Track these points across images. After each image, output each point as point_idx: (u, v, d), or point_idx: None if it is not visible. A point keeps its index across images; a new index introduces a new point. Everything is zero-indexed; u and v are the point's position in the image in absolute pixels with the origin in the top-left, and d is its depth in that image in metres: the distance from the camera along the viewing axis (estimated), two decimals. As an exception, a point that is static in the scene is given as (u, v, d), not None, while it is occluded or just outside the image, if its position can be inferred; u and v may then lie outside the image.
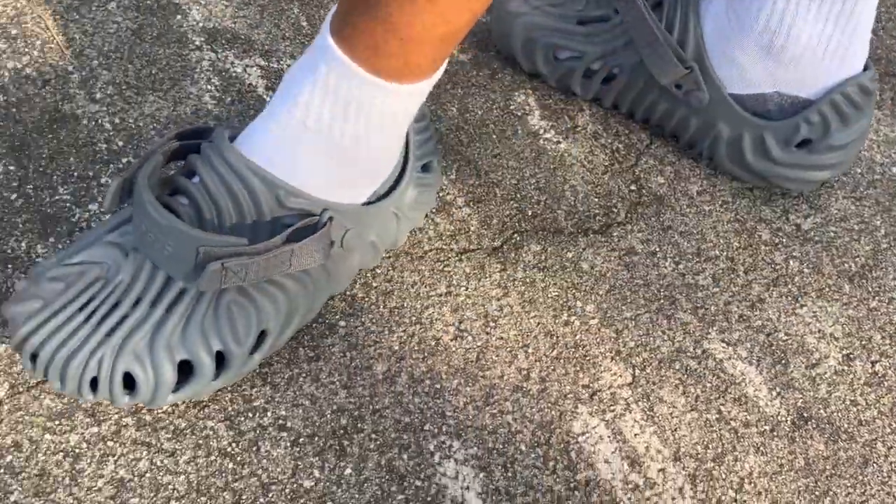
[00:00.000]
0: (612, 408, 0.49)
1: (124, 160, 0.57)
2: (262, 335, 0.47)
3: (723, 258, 0.57)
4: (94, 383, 0.45)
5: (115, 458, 0.45)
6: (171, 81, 0.62)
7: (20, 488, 0.44)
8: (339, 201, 0.47)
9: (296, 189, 0.45)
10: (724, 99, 0.57)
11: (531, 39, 0.62)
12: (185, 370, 0.46)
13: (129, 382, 0.45)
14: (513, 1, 0.62)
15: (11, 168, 0.56)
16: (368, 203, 0.49)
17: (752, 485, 0.47)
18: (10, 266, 0.52)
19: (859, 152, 0.60)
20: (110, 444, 0.46)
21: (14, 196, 0.55)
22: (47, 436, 0.46)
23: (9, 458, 0.45)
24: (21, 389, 0.47)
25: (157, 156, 0.46)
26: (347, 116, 0.44)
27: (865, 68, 0.57)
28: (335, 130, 0.44)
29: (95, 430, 0.46)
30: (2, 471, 0.44)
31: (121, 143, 0.58)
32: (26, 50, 0.63)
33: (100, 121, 0.59)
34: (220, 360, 0.46)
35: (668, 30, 0.57)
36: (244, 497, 0.45)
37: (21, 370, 0.48)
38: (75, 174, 0.56)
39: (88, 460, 0.45)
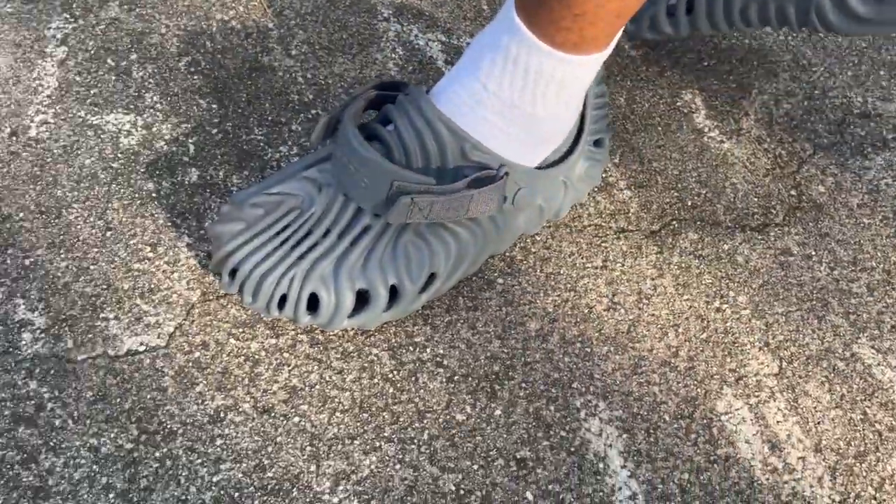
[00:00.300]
0: (756, 394, 0.51)
1: (313, 111, 0.63)
2: (431, 277, 0.51)
3: (879, 270, 0.58)
4: (281, 301, 0.50)
5: (290, 368, 0.50)
6: (360, 47, 0.68)
7: (205, 382, 0.49)
8: (513, 161, 0.51)
9: (479, 143, 0.49)
10: None
11: None
12: (360, 300, 0.51)
13: (312, 305, 0.50)
14: None
15: (214, 107, 0.62)
16: (540, 168, 0.53)
17: (894, 486, 0.48)
18: (208, 190, 0.58)
19: None
20: (286, 355, 0.51)
21: (215, 131, 0.61)
22: (231, 340, 0.51)
23: (196, 354, 0.50)
24: (211, 297, 0.53)
25: (360, 101, 0.51)
26: (526, 83, 0.47)
27: None
28: (514, 95, 0.48)
29: (274, 341, 0.51)
30: (190, 365, 0.50)
31: (311, 97, 0.64)
32: (233, 5, 0.70)
33: (293, 74, 0.65)
34: (393, 294, 0.51)
35: None
36: (402, 419, 0.49)
37: (212, 280, 0.53)
38: (269, 119, 0.62)
39: (266, 366, 0.50)
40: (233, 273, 0.50)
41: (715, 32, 0.64)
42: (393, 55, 0.67)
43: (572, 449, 0.48)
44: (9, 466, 0.45)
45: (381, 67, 0.66)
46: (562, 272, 0.56)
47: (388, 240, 0.50)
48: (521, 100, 0.48)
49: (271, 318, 0.52)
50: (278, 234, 0.50)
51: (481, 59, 0.48)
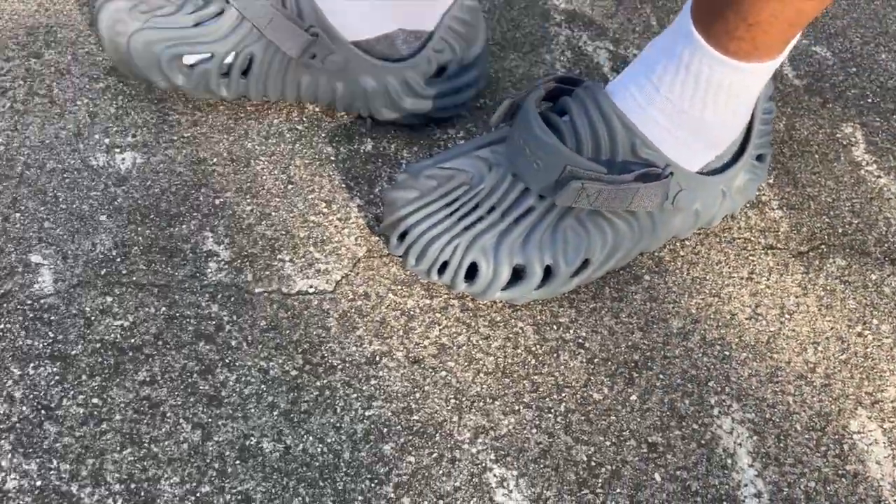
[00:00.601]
0: (892, 419, 0.52)
1: (481, 101, 0.68)
2: (584, 263, 0.55)
3: None
4: (442, 267, 0.55)
5: (440, 327, 0.55)
6: (531, 46, 0.72)
7: (364, 328, 0.54)
8: (678, 162, 0.54)
9: (649, 141, 0.52)
10: (357, 54, 0.60)
11: (153, 55, 0.61)
12: (514, 276, 0.55)
13: (469, 274, 0.55)
14: (118, 22, 0.60)
15: (392, 86, 0.68)
16: (701, 173, 0.56)
17: None
18: (380, 160, 0.63)
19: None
20: (438, 315, 0.55)
21: (391, 107, 0.67)
22: (390, 295, 0.56)
23: (359, 302, 0.55)
24: (375, 255, 0.58)
25: (541, 89, 0.56)
26: (697, 89, 0.51)
27: None
28: (685, 100, 0.51)
29: (428, 301, 0.56)
30: (353, 311, 0.55)
31: (481, 86, 0.69)
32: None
33: (467, 65, 0.70)
34: (546, 274, 0.55)
35: (282, 3, 0.59)
36: (541, 389, 0.52)
37: (377, 240, 0.59)
38: (441, 102, 0.67)
39: (419, 322, 0.55)
40: (402, 236, 0.55)
41: (265, 99, 0.65)
42: (561, 57, 0.72)
43: (703, 441, 0.51)
44: (188, 374, 0.51)
45: (548, 67, 0.71)
46: (707, 278, 0.58)
47: (550, 222, 0.54)
48: (692, 105, 0.51)
49: (428, 281, 0.57)
50: (448, 205, 0.54)
51: (655, 64, 0.52)
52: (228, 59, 0.61)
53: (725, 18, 0.47)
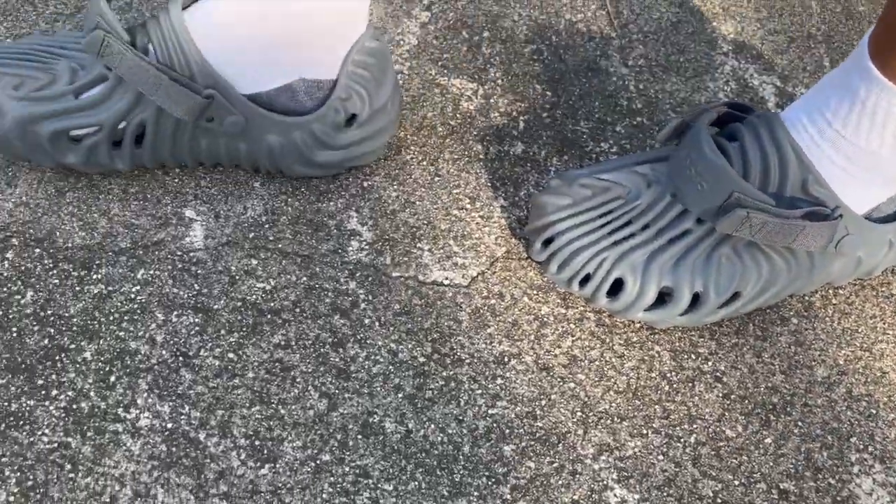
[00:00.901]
0: None
1: (638, 119, 0.67)
2: (734, 295, 0.53)
3: None
4: (584, 279, 0.54)
5: (573, 338, 0.54)
6: (694, 72, 0.71)
7: (495, 326, 0.55)
8: (848, 204, 0.52)
9: (823, 179, 0.51)
10: (259, 112, 0.55)
11: (34, 133, 0.55)
12: (659, 298, 0.54)
13: (612, 290, 0.54)
14: None
15: (548, 94, 0.69)
16: (869, 218, 0.54)
17: None
18: (528, 164, 0.64)
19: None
20: (572, 326, 0.55)
21: (545, 115, 0.67)
22: (525, 298, 0.56)
23: (492, 301, 0.56)
24: (513, 257, 0.58)
25: (712, 112, 0.55)
26: (873, 124, 0.49)
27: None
28: (860, 136, 0.50)
29: (563, 311, 0.56)
30: (485, 308, 0.55)
31: (639, 105, 0.68)
32: (582, 10, 0.76)
33: (626, 82, 0.70)
34: (693, 301, 0.53)
35: (169, 66, 0.53)
36: (672, 417, 0.51)
37: (516, 242, 0.59)
38: (596, 115, 0.67)
39: (552, 330, 0.55)
40: (547, 242, 0.55)
41: (163, 167, 0.60)
42: (725, 87, 0.70)
43: (839, 498, 0.48)
44: (321, 344, 0.53)
45: (710, 95, 0.70)
46: (860, 330, 0.56)
47: (705, 248, 0.52)
48: (868, 141, 0.50)
49: (565, 291, 0.56)
50: (600, 216, 0.54)
51: (829, 98, 0.51)
52: (118, 131, 0.56)
53: None
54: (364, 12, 0.56)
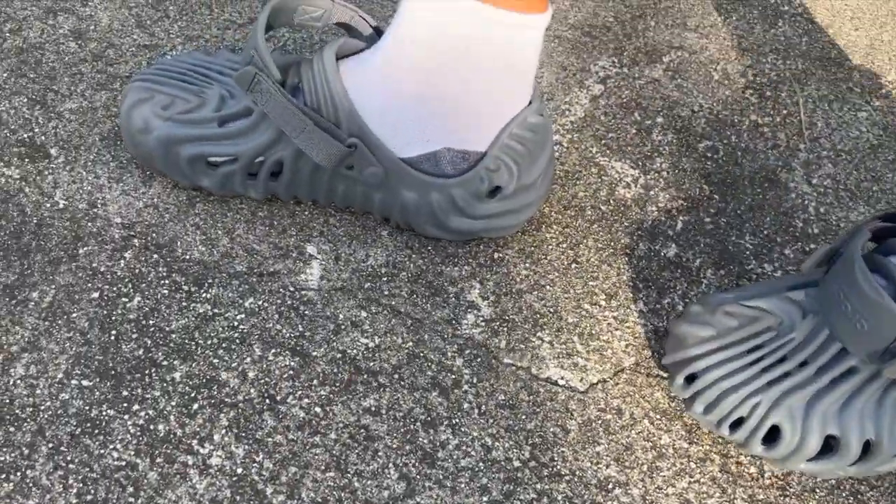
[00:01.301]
0: None
1: (812, 245, 0.61)
2: None
3: None
4: (736, 422, 0.48)
5: (691, 479, 0.49)
6: (887, 205, 0.64)
7: (606, 445, 0.50)
8: None
9: None
10: (400, 167, 0.54)
11: (175, 154, 0.56)
12: (823, 446, 0.48)
13: (768, 436, 0.48)
14: (136, 117, 0.56)
15: (716, 197, 0.63)
16: None
17: None
18: (679, 271, 0.59)
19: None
20: (692, 465, 0.49)
21: (708, 220, 0.62)
22: (646, 422, 0.51)
23: (608, 416, 0.51)
24: (642, 371, 0.53)
25: (865, 233, 0.48)
26: None
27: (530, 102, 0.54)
28: None
29: (686, 445, 0.50)
30: (599, 422, 0.50)
31: (816, 230, 0.62)
32: (771, 113, 0.70)
33: (806, 202, 0.64)
34: (864, 449, 0.47)
35: (316, 110, 0.53)
36: None
37: (649, 354, 0.54)
38: (765, 232, 0.62)
39: (669, 464, 0.49)
40: (690, 378, 0.50)
41: (295, 197, 0.59)
42: None
43: None
44: (412, 420, 0.49)
45: None
46: None
47: (876, 390, 0.46)
48: None
49: (691, 420, 0.51)
50: (749, 351, 0.48)
51: None
52: (256, 164, 0.56)
53: None
54: (528, 88, 0.54)
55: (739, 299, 0.50)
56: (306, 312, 0.54)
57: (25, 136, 0.61)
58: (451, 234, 0.57)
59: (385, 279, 0.56)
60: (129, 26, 0.69)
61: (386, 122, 0.54)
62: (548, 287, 0.57)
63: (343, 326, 0.53)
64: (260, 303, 0.54)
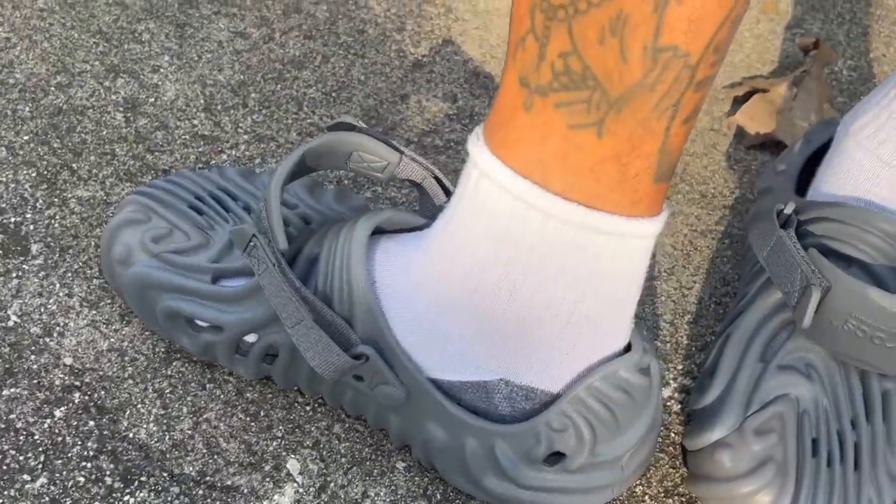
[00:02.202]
0: None
1: None
2: None
3: None
4: None
5: None
6: None
7: None
8: None
9: None
10: (428, 392, 0.39)
11: (151, 301, 0.44)
12: None
13: None
14: (119, 242, 0.44)
15: None
16: None
17: None
18: None
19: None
20: None
21: None
22: None
23: None
24: None
25: (812, 251, 0.41)
26: None
27: (628, 348, 0.39)
28: None
29: None
30: None
31: None
32: None
33: None
34: None
35: (326, 299, 0.39)
36: None
37: None
38: None
39: None
40: None
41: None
42: None
43: None
44: None
45: None
46: None
47: None
48: None
49: None
50: (814, 454, 0.41)
51: None
52: (250, 339, 0.42)
53: None
54: (624, 324, 0.38)
55: (743, 411, 0.41)
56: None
57: (12, 220, 0.50)
58: (485, 496, 0.41)
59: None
60: (194, 107, 0.59)
61: (421, 330, 0.39)
62: None
63: None
64: (197, 533, 0.39)
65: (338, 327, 0.38)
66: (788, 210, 0.45)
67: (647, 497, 0.44)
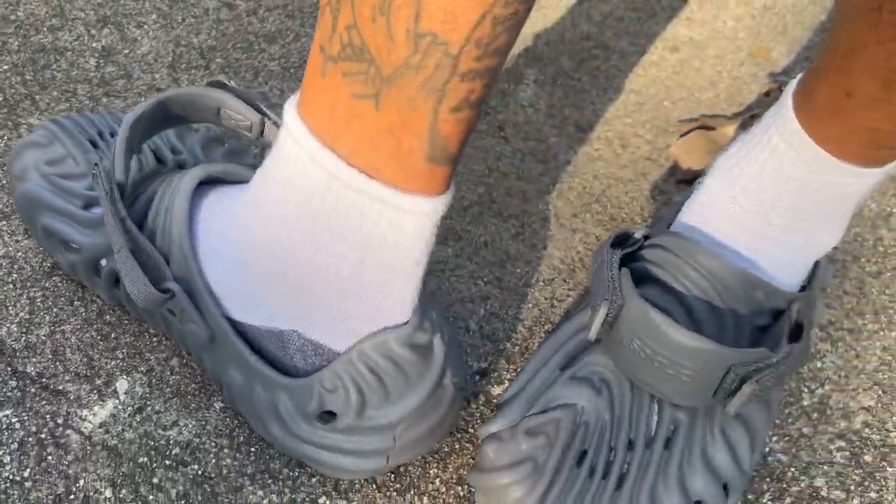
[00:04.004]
0: None
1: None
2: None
3: None
4: None
5: None
6: None
7: None
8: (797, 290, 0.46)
9: (768, 285, 0.45)
10: (227, 335, 0.43)
11: (34, 217, 0.50)
12: None
13: None
14: (19, 161, 0.50)
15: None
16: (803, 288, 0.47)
17: None
18: None
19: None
20: None
21: None
22: None
23: None
24: None
25: (625, 272, 0.43)
26: (822, 207, 0.45)
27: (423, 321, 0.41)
28: (805, 221, 0.46)
29: None
30: None
31: None
32: None
33: None
34: (725, 490, 0.43)
35: (151, 235, 0.44)
36: None
37: None
38: None
39: None
40: None
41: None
42: None
43: None
44: None
45: None
46: None
47: (703, 429, 0.44)
48: (809, 225, 0.46)
49: None
50: (578, 463, 0.42)
51: (745, 180, 0.46)
52: (103, 264, 0.47)
53: (877, 132, 0.42)
54: (404, 297, 0.41)
55: (525, 409, 0.44)
56: (50, 458, 0.44)
57: (-35, 133, 0.58)
58: (276, 444, 0.44)
59: (168, 463, 0.44)
60: (160, 63, 0.65)
61: (230, 274, 0.43)
62: None
63: (73, 497, 0.43)
64: (13, 420, 0.45)
65: (155, 261, 0.43)
66: (638, 235, 0.46)
67: (438, 479, 0.46)
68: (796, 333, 0.44)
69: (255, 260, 0.42)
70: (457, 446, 0.47)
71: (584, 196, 0.61)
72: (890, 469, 0.49)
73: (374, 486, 0.45)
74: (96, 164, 0.43)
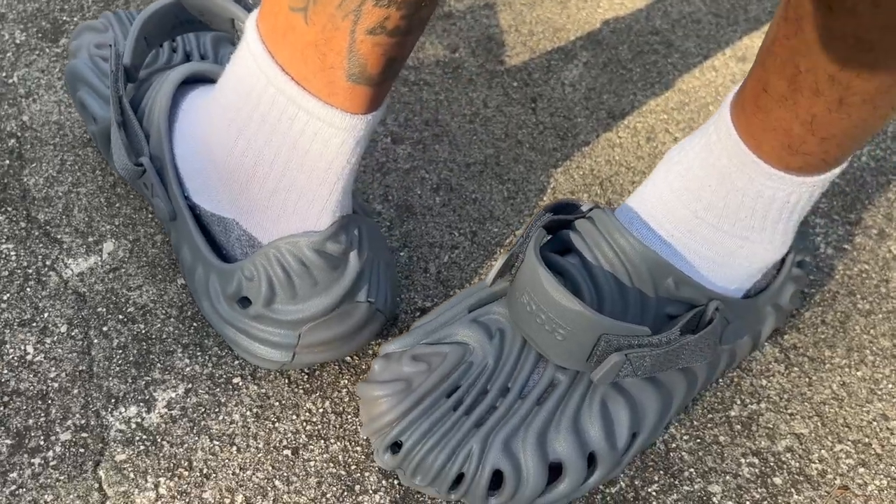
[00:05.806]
0: None
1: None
2: (634, 435, 0.46)
3: None
4: (457, 481, 0.44)
5: None
6: None
7: None
8: (722, 292, 0.48)
9: (687, 276, 0.45)
10: (183, 213, 0.48)
11: (74, 90, 0.57)
12: (554, 472, 0.45)
13: (495, 482, 0.44)
14: (77, 39, 0.59)
15: None
16: (747, 297, 0.50)
17: None
18: None
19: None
20: None
21: None
22: None
23: None
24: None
25: (539, 231, 0.45)
26: (754, 211, 0.46)
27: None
28: (733, 223, 0.47)
29: None
30: None
31: None
32: None
33: None
34: (591, 461, 0.45)
35: (140, 117, 0.51)
36: None
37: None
38: None
39: None
40: (395, 447, 0.44)
41: None
42: None
43: None
44: None
45: None
46: None
47: (581, 395, 0.45)
48: (742, 228, 0.47)
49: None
50: (448, 395, 0.44)
51: (686, 181, 0.47)
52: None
53: (789, 133, 0.43)
54: (330, 206, 0.44)
55: (421, 339, 0.47)
56: (28, 290, 0.51)
57: (64, 18, 0.67)
58: (209, 321, 0.50)
59: (120, 318, 0.51)
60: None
61: (191, 160, 0.48)
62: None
63: (34, 324, 0.50)
64: (11, 254, 0.53)
65: (137, 136, 0.49)
66: (584, 208, 0.48)
67: (345, 390, 0.50)
68: (698, 328, 0.45)
69: (205, 151, 0.47)
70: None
71: (588, 177, 0.62)
72: (796, 497, 0.48)
73: (286, 381, 0.50)
74: (110, 46, 0.50)
